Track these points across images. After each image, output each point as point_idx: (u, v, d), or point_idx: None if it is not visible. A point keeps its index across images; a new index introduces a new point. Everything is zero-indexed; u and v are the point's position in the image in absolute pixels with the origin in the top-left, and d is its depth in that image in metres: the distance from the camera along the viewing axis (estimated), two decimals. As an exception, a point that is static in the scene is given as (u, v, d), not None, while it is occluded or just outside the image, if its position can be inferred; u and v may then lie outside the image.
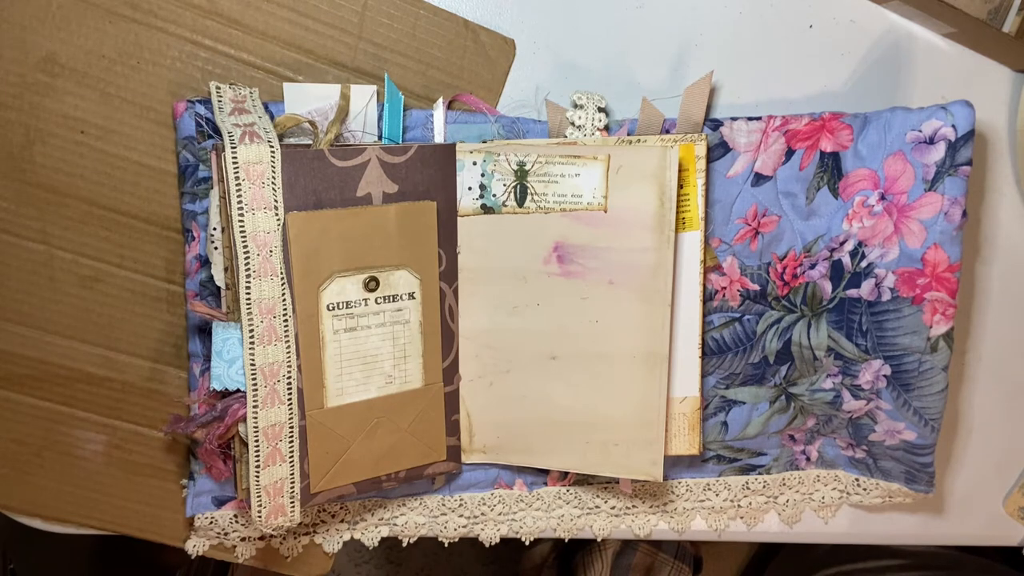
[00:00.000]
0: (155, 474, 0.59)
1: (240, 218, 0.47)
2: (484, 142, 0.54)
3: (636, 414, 0.55)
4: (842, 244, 0.57)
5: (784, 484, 0.64)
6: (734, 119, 0.55)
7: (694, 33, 0.57)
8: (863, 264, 0.57)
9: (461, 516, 0.62)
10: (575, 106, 0.55)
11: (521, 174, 0.53)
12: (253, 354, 0.49)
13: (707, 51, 0.57)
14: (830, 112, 0.55)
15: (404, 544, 0.63)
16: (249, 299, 0.48)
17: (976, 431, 0.67)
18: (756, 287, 0.58)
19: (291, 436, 0.51)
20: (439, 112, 0.54)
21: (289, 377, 0.50)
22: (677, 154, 0.51)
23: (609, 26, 0.57)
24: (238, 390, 0.50)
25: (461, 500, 0.61)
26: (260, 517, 0.51)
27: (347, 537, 0.62)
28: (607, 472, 0.57)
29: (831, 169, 0.55)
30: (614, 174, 0.52)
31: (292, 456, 0.51)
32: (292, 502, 0.52)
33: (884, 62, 0.59)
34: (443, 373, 0.56)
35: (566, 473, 0.62)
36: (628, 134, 0.55)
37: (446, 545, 0.63)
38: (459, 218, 0.54)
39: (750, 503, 0.65)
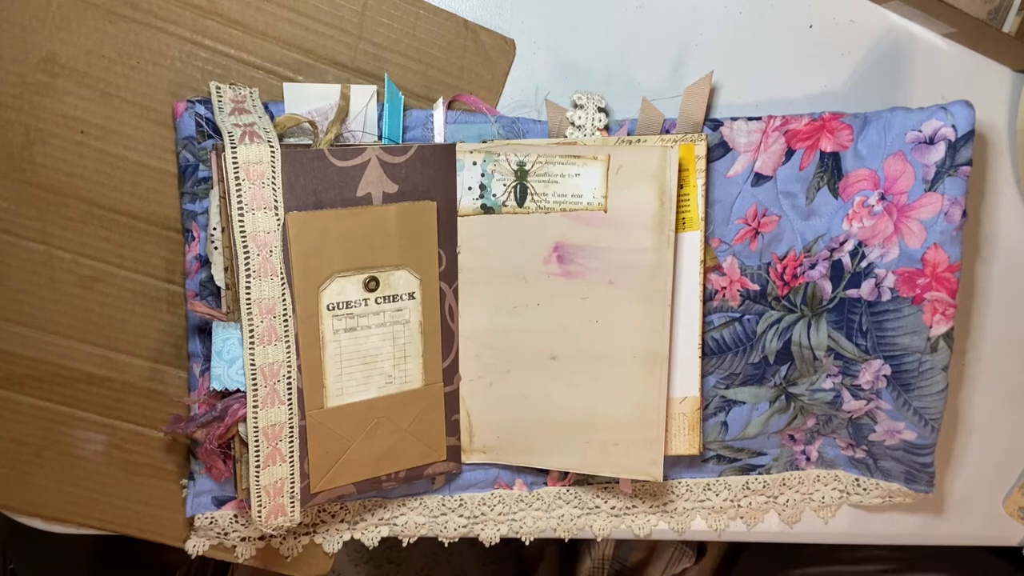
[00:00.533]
0: (155, 474, 0.59)
1: (240, 218, 0.47)
2: (484, 142, 0.54)
3: (636, 414, 0.55)
4: (842, 244, 0.57)
5: (784, 484, 0.64)
6: (734, 119, 0.55)
7: (694, 33, 0.57)
8: (863, 264, 0.57)
9: (461, 516, 0.62)
10: (575, 106, 0.55)
11: (521, 174, 0.53)
12: (253, 354, 0.49)
13: (707, 51, 0.57)
14: (830, 112, 0.55)
15: (404, 544, 0.63)
16: (249, 299, 0.48)
17: (976, 431, 0.67)
18: (756, 287, 0.58)
19: (291, 436, 0.51)
20: (439, 112, 0.54)
21: (289, 377, 0.50)
22: (677, 154, 0.51)
23: (609, 26, 0.57)
24: (238, 390, 0.50)
25: (461, 500, 0.61)
26: (260, 517, 0.51)
27: (347, 537, 0.62)
28: (607, 472, 0.57)
29: (831, 169, 0.55)
30: (614, 174, 0.52)
31: (292, 456, 0.51)
32: (292, 502, 0.52)
33: (884, 62, 0.59)
34: (443, 373, 0.56)
35: (566, 473, 0.62)
36: (628, 134, 0.55)
37: (446, 545, 0.63)
38: (459, 218, 0.54)
39: (750, 503, 0.65)
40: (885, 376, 0.58)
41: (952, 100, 0.53)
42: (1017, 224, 0.63)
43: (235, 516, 0.59)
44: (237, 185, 0.47)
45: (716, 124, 0.54)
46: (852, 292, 0.57)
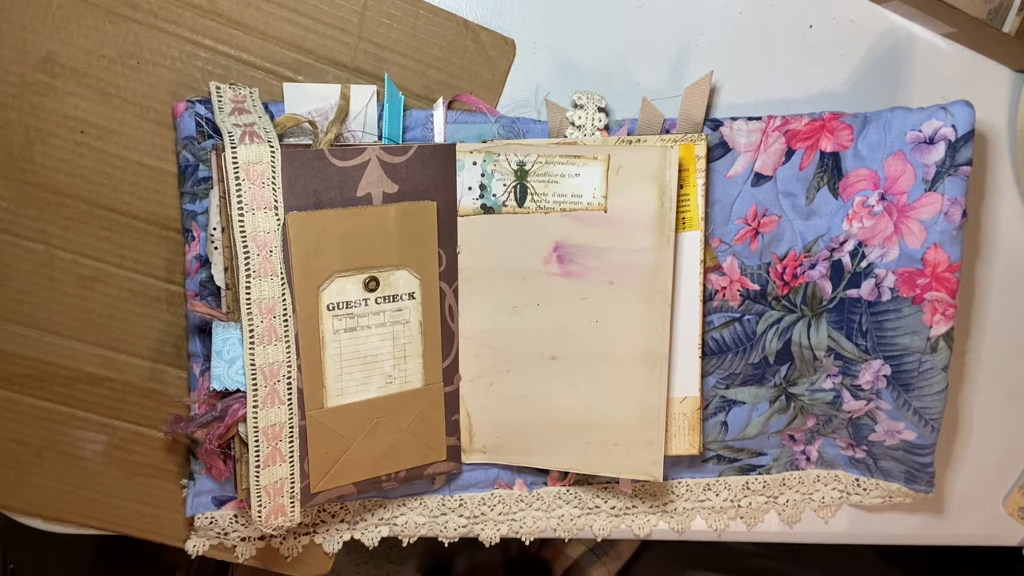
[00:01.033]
0: (155, 474, 0.59)
1: (240, 218, 0.47)
2: (484, 142, 0.54)
3: (636, 414, 0.55)
4: (842, 244, 0.57)
5: (784, 484, 0.64)
6: (734, 119, 0.54)
7: (694, 33, 0.57)
8: (863, 264, 0.57)
9: (461, 516, 0.62)
10: (575, 106, 0.55)
11: (521, 174, 0.53)
12: (253, 354, 0.49)
13: (707, 51, 0.57)
14: (830, 112, 0.55)
15: (404, 544, 0.63)
16: (249, 299, 0.48)
17: (976, 431, 0.67)
18: (756, 287, 0.58)
19: (291, 436, 0.51)
20: (439, 112, 0.54)
21: (289, 377, 0.50)
22: (677, 154, 0.51)
23: (609, 26, 0.57)
24: (238, 390, 0.50)
25: (461, 500, 0.61)
26: (260, 517, 0.51)
27: (347, 537, 0.62)
28: (607, 472, 0.57)
29: (831, 169, 0.55)
30: (614, 174, 0.52)
31: (292, 456, 0.51)
32: (292, 502, 0.52)
33: (884, 62, 0.59)
34: (443, 373, 0.56)
35: (566, 473, 0.62)
36: (628, 134, 0.55)
37: (446, 545, 0.63)
38: (459, 218, 0.54)
39: (750, 503, 0.65)
40: (885, 376, 0.58)
41: (952, 100, 0.53)
42: (1017, 224, 0.63)
43: (235, 516, 0.59)
44: (237, 185, 0.47)
45: (716, 124, 0.54)
46: (852, 292, 0.57)
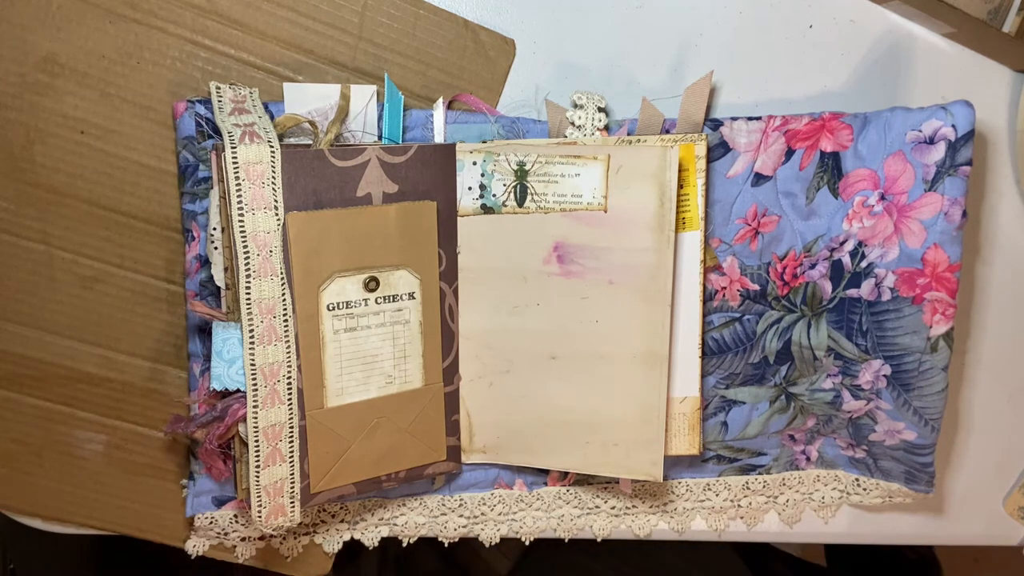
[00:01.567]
0: (155, 474, 0.59)
1: (240, 218, 0.47)
2: (484, 142, 0.54)
3: (636, 414, 0.55)
4: (842, 244, 0.57)
5: (784, 484, 0.64)
6: (734, 119, 0.54)
7: (694, 33, 0.57)
8: (863, 264, 0.57)
9: (461, 516, 0.62)
10: (575, 106, 0.55)
11: (521, 174, 0.53)
12: (253, 354, 0.49)
13: (707, 51, 0.57)
14: (830, 112, 0.55)
15: (404, 544, 0.63)
16: (249, 299, 0.48)
17: (976, 431, 0.67)
18: (756, 287, 0.58)
19: (291, 436, 0.51)
20: (439, 112, 0.54)
21: (289, 377, 0.50)
22: (677, 154, 0.51)
23: (609, 26, 0.57)
24: (238, 390, 0.50)
25: (461, 500, 0.61)
26: (260, 517, 0.51)
27: (347, 537, 0.62)
28: (607, 472, 0.57)
29: (831, 169, 0.55)
30: (614, 174, 0.52)
31: (292, 456, 0.51)
32: (292, 502, 0.52)
33: (884, 62, 0.59)
34: (443, 373, 0.56)
35: (566, 473, 0.62)
36: (628, 134, 0.55)
37: (446, 545, 0.63)
38: (459, 218, 0.54)
39: (750, 503, 0.65)
40: (885, 376, 0.58)
41: (952, 100, 0.53)
42: (1017, 224, 0.63)
43: (235, 516, 0.59)
44: (237, 185, 0.47)
45: (716, 124, 0.54)
46: (852, 292, 0.57)
